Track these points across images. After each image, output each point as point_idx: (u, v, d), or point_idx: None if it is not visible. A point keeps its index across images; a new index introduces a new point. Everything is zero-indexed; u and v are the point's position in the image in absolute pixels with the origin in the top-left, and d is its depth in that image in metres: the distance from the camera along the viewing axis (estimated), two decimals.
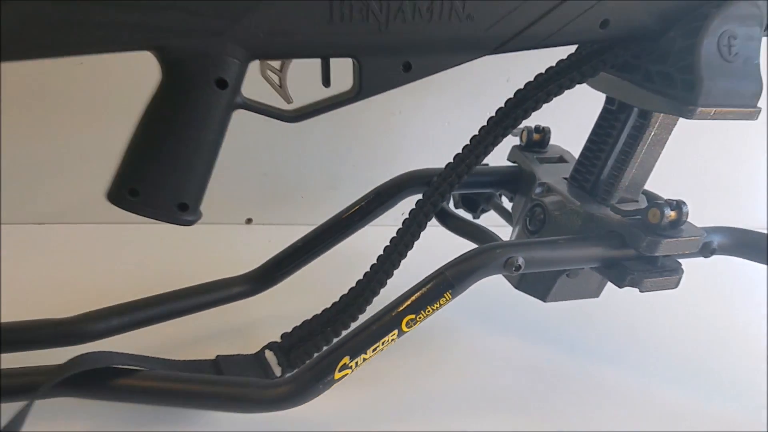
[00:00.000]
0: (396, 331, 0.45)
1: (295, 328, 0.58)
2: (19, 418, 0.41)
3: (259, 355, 0.57)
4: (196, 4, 0.36)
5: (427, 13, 0.41)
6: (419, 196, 0.56)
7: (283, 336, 0.58)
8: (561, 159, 0.64)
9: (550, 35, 0.45)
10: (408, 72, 0.44)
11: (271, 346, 0.58)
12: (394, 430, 0.52)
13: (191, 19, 0.37)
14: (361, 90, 0.44)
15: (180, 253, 0.78)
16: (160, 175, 0.42)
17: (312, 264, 0.63)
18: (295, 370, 0.48)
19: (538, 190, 0.59)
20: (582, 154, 0.58)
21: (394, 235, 0.55)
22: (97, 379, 0.45)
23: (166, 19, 0.37)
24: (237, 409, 0.46)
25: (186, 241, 0.78)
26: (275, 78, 0.43)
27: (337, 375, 0.45)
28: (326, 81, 0.44)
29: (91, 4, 0.35)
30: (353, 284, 0.57)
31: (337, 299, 0.58)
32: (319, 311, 0.58)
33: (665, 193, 0.57)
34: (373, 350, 0.45)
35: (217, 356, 0.56)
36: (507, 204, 0.67)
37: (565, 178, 0.60)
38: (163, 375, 0.46)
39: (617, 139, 0.55)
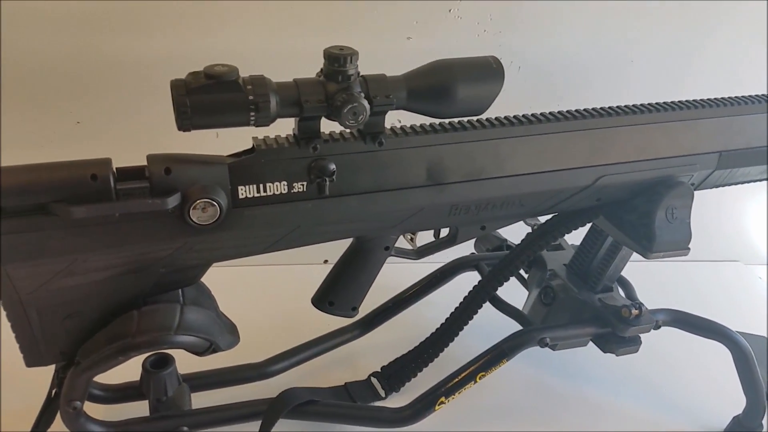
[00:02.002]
0: (472, 382, 0.77)
1: (390, 363, 0.90)
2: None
3: (368, 381, 0.89)
4: (387, 221, 0.67)
5: (500, 206, 0.71)
6: (468, 273, 0.89)
7: (382, 368, 0.90)
8: (559, 246, 0.96)
9: (568, 207, 0.76)
10: (483, 230, 0.75)
11: (375, 374, 0.90)
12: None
13: (382, 227, 0.67)
14: (455, 241, 0.74)
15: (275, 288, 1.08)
16: (346, 294, 0.73)
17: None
18: (411, 402, 0.78)
19: (548, 275, 0.91)
20: (577, 252, 0.90)
21: (458, 305, 0.86)
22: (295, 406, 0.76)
23: (373, 228, 0.67)
24: (378, 426, 0.77)
25: (278, 278, 1.08)
26: (408, 237, 0.74)
27: (436, 408, 0.77)
28: (436, 236, 0.75)
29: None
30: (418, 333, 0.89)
31: (405, 342, 0.90)
32: (395, 349, 0.90)
33: None
34: (458, 393, 0.77)
35: (345, 383, 0.88)
36: None
37: (565, 264, 0.92)
38: (333, 404, 0.78)
39: (600, 247, 0.87)
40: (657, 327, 0.83)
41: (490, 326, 0.88)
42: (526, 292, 0.96)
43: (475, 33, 0.98)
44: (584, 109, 0.72)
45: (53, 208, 0.53)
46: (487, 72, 0.60)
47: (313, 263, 1.15)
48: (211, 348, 0.65)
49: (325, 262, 1.19)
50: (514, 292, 0.94)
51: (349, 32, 0.94)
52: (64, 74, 0.91)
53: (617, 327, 0.81)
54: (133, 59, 0.92)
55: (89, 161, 0.54)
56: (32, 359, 0.62)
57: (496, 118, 0.68)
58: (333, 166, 0.60)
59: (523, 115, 0.69)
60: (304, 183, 0.60)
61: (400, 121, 0.66)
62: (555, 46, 1.02)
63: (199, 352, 0.65)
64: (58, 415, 0.66)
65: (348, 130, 0.62)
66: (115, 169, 0.55)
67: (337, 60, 0.55)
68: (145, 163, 0.56)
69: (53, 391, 0.67)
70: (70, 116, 0.94)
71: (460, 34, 0.98)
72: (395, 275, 0.92)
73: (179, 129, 0.53)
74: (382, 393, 0.87)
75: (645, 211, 0.76)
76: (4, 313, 0.60)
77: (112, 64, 0.92)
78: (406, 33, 0.95)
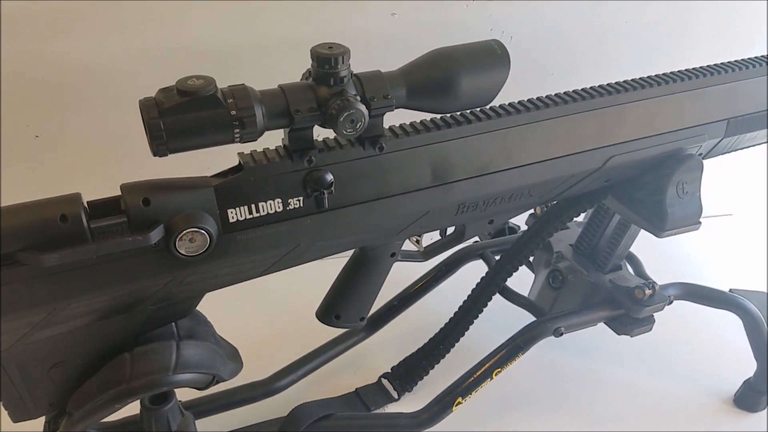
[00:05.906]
0: (489, 379, 0.74)
1: (400, 363, 0.86)
2: None
3: (379, 383, 0.86)
4: (392, 229, 0.61)
5: (508, 199, 0.67)
6: (473, 262, 0.85)
7: (393, 368, 0.86)
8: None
9: (577, 192, 0.72)
10: (491, 224, 0.70)
11: (385, 375, 0.86)
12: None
13: (387, 235, 0.62)
14: (462, 239, 0.70)
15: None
16: (353, 306, 0.68)
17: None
18: (427, 405, 0.75)
19: (554, 257, 0.87)
20: (583, 232, 0.86)
21: (467, 299, 0.82)
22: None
23: (377, 237, 0.62)
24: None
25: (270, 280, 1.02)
26: (414, 239, 0.69)
27: (454, 408, 0.74)
28: (443, 235, 0.70)
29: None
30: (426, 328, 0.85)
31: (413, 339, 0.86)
32: (403, 347, 0.86)
33: None
34: (475, 391, 0.74)
35: (356, 389, 0.84)
36: None
37: (571, 245, 0.88)
38: (347, 416, 0.74)
39: (607, 226, 0.83)
40: (670, 303, 0.81)
41: (498, 315, 0.84)
42: (530, 274, 0.92)
43: (463, 4, 0.91)
44: (591, 88, 0.67)
45: (21, 257, 0.46)
46: (492, 58, 0.54)
47: None
48: (213, 380, 0.60)
49: None
50: (517, 274, 0.90)
51: (328, 10, 0.86)
52: (17, 83, 0.83)
53: (631, 309, 0.78)
54: (91, 63, 0.84)
55: (56, 200, 0.47)
56: (18, 415, 0.57)
57: (501, 107, 0.62)
58: (330, 177, 0.54)
59: (529, 101, 0.64)
60: (301, 198, 0.54)
61: None
62: (545, 13, 0.96)
63: (201, 387, 0.60)
64: None
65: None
66: (86, 204, 0.49)
67: (327, 61, 0.49)
68: (115, 186, 0.50)
69: None
70: (28, 130, 0.86)
71: (447, 6, 0.91)
72: (399, 271, 0.86)
73: (154, 155, 0.46)
74: (395, 395, 0.84)
75: (655, 189, 0.73)
76: None
77: (68, 69, 0.83)
78: (390, 8, 0.88)
